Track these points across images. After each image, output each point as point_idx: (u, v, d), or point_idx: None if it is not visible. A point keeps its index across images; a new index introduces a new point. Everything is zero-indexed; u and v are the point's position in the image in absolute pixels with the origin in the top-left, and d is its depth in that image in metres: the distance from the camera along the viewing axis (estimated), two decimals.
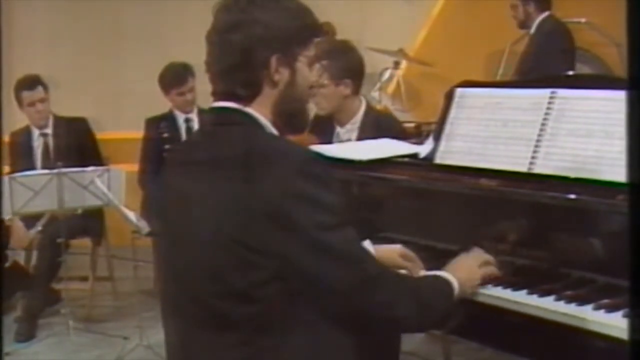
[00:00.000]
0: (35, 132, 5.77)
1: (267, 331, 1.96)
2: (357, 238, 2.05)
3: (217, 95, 2.13)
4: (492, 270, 2.41)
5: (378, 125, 4.01)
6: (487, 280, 2.40)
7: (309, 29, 2.16)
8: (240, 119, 2.08)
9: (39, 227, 5.24)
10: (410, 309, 2.08)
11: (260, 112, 2.09)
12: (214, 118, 2.15)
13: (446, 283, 2.23)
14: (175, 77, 5.64)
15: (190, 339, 2.06)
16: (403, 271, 2.46)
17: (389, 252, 2.56)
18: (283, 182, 1.91)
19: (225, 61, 2.08)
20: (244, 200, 1.92)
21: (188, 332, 2.07)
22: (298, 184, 1.92)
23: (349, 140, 3.89)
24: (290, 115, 2.15)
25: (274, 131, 2.11)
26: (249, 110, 2.08)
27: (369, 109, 4.09)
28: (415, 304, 2.10)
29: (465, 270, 2.35)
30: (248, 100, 2.08)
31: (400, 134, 3.84)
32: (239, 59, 2.06)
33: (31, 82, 5.66)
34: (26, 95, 5.64)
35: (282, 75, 2.09)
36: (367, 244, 2.53)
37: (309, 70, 2.18)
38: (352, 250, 2.00)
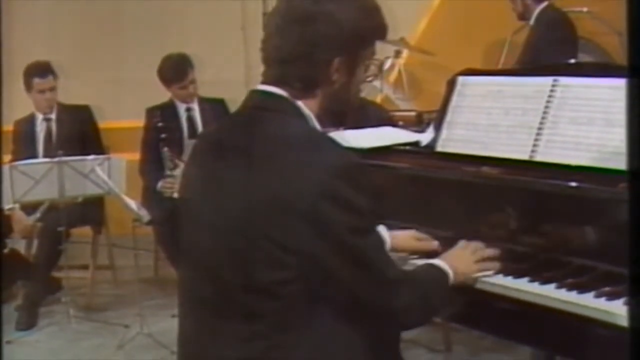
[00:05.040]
0: (39, 118, 5.79)
1: (284, 327, 1.95)
2: (382, 243, 2.06)
3: (268, 78, 2.06)
4: (489, 266, 2.40)
5: (364, 114, 4.01)
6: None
7: (377, 31, 2.10)
8: (286, 107, 2.02)
9: (37, 214, 5.25)
10: (421, 313, 2.15)
11: (308, 106, 2.04)
12: (258, 102, 2.07)
13: (444, 275, 2.24)
14: (175, 72, 5.64)
15: (206, 327, 2.04)
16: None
17: (404, 237, 2.59)
18: (320, 180, 1.88)
19: (285, 50, 2.01)
20: (278, 194, 1.89)
21: (204, 321, 2.05)
22: (335, 184, 1.89)
23: (336, 130, 3.87)
24: (336, 112, 2.13)
25: (317, 125, 2.07)
26: (298, 102, 2.03)
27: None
28: (425, 307, 2.15)
29: (462, 263, 2.34)
30: (299, 92, 2.03)
31: (387, 122, 3.84)
32: (301, 53, 1.99)
33: (43, 70, 5.70)
34: (37, 82, 5.67)
35: (340, 77, 2.04)
36: (382, 229, 2.53)
37: (364, 72, 2.13)
38: (378, 256, 2.01)
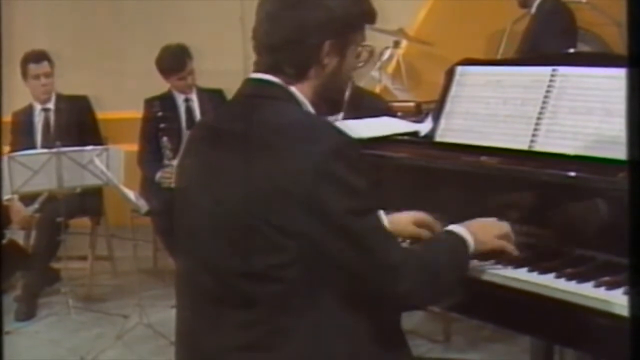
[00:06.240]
0: (37, 108, 5.79)
1: (284, 311, 1.94)
2: (382, 225, 2.04)
3: (261, 66, 2.08)
4: (510, 247, 2.34)
5: (362, 104, 4.01)
6: (499, 255, 2.35)
7: (366, 16, 2.13)
8: (280, 94, 2.04)
9: (36, 205, 5.25)
10: (429, 291, 2.10)
11: (302, 91, 2.06)
12: (252, 90, 2.09)
13: (461, 243, 2.19)
14: (173, 63, 5.65)
15: (205, 316, 2.04)
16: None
17: (402, 221, 2.51)
18: (317, 163, 1.88)
19: (276, 36, 2.03)
20: (274, 177, 1.89)
21: (203, 310, 2.04)
22: (332, 166, 1.89)
23: (335, 120, 3.87)
24: (330, 98, 2.13)
25: (312, 110, 2.07)
26: (291, 88, 2.05)
27: (354, 88, 4.07)
28: (435, 284, 2.09)
29: (484, 232, 2.28)
30: (292, 78, 2.04)
31: (385, 112, 3.83)
32: (292, 38, 2.01)
33: (38, 56, 5.72)
34: (32, 67, 5.69)
35: (331, 61, 2.06)
36: (380, 213, 2.51)
37: (355, 58, 2.14)
38: (378, 238, 1.98)
